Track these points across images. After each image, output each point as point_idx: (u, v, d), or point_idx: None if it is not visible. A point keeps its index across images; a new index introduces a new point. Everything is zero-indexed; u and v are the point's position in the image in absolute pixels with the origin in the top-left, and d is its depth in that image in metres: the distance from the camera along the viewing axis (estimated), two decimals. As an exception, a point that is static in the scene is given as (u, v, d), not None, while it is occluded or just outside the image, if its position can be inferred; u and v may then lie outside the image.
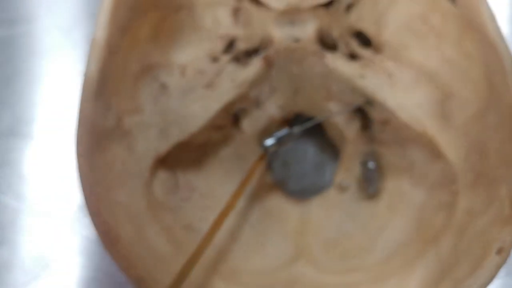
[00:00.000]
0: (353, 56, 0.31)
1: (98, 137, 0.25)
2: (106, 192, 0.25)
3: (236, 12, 0.31)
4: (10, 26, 0.38)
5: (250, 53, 0.31)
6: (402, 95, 0.29)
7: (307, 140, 0.35)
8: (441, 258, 0.26)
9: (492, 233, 0.23)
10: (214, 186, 0.32)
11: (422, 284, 0.27)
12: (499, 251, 0.23)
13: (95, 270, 0.34)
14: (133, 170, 0.28)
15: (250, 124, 0.32)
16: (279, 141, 0.30)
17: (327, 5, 0.30)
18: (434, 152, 0.29)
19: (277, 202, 0.33)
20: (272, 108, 0.32)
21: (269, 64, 0.30)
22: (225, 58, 0.31)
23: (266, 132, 0.33)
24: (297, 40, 0.29)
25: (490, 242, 0.23)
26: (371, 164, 0.31)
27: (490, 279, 0.23)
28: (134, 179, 0.28)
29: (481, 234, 0.24)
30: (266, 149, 0.30)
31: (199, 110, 0.30)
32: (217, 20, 0.31)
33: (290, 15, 0.29)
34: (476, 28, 0.26)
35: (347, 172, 0.33)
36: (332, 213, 0.32)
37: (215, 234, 0.27)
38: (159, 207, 0.29)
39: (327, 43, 0.31)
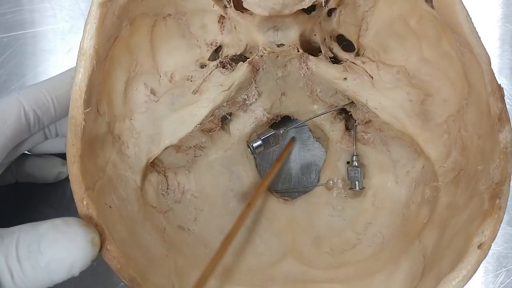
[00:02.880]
0: (335, 59, 0.31)
1: (89, 143, 0.25)
2: (98, 196, 0.25)
3: (222, 20, 0.31)
4: (9, 30, 0.38)
5: (237, 59, 0.31)
6: (383, 95, 0.29)
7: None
8: (425, 252, 0.27)
9: (473, 228, 0.23)
10: (205, 187, 0.33)
11: (407, 279, 0.27)
12: (480, 246, 0.22)
13: (89, 271, 0.34)
14: (125, 174, 0.28)
15: (238, 127, 0.32)
16: (265, 143, 0.30)
17: (309, 11, 0.29)
18: (416, 150, 0.30)
19: (267, 202, 0.34)
20: (259, 111, 0.32)
21: (254, 68, 0.30)
22: (213, 64, 0.31)
23: (254, 134, 0.33)
24: (281, 45, 0.29)
25: (471, 236, 0.23)
26: (356, 163, 0.32)
27: (472, 273, 0.22)
28: (126, 183, 0.28)
29: (463, 229, 0.24)
30: (253, 150, 0.30)
31: (188, 115, 0.30)
32: (204, 27, 0.31)
33: (273, 21, 0.29)
34: (453, 28, 0.26)
35: (333, 171, 0.33)
36: (319, 211, 0.33)
37: (227, 248, 0.27)
38: (152, 209, 0.29)
39: (310, 47, 0.31)
